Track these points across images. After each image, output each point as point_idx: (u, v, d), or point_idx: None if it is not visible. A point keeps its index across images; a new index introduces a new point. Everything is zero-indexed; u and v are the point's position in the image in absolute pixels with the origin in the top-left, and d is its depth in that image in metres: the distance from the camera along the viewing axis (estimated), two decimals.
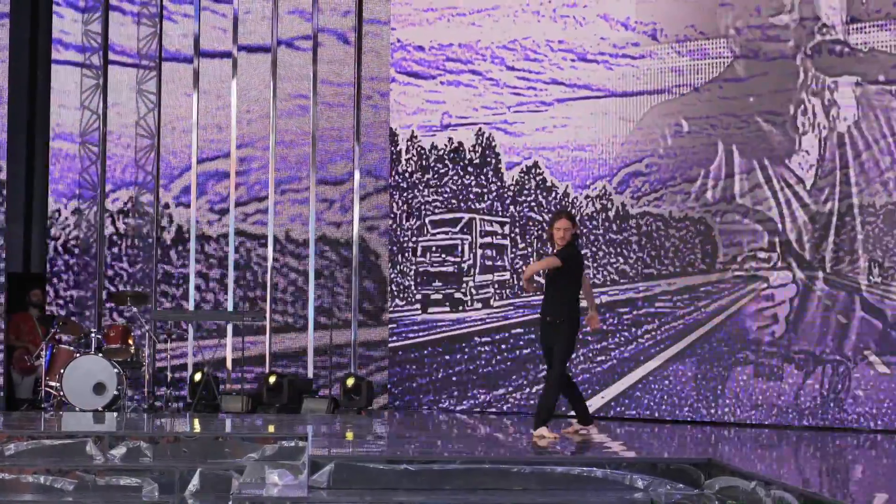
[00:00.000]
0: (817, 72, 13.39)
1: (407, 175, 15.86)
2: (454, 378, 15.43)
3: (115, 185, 16.78)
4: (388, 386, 15.87)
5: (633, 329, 14.44)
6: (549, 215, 14.16)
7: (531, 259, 15.03)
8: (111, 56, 16.95)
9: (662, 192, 14.32)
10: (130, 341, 14.75)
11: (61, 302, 16.66)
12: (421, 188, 15.78)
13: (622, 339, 14.49)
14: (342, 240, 16.44)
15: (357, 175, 16.40)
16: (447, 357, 15.53)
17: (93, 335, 14.67)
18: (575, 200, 14.84)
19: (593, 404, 14.18)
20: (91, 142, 16.83)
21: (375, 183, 16.39)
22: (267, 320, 16.40)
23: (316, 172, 16.53)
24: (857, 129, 13.08)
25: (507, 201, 15.29)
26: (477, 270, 15.48)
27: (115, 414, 13.81)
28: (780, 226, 13.54)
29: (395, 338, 15.84)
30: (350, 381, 15.27)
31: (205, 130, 16.84)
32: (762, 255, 13.64)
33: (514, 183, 15.27)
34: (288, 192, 16.68)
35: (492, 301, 15.42)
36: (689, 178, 14.16)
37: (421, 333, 15.75)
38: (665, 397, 14.03)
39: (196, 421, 13.05)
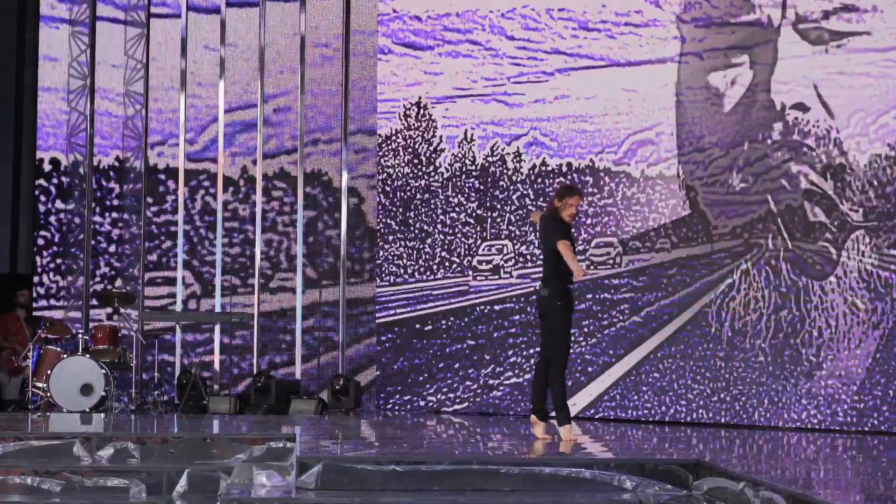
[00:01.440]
0: (825, 38, 13.17)
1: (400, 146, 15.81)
2: (443, 365, 15.39)
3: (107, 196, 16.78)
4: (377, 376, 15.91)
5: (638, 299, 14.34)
6: (558, 187, 13.71)
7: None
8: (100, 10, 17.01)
9: (671, 162, 14.09)
10: (118, 342, 14.74)
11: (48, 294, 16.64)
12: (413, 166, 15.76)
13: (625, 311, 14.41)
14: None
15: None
16: (436, 340, 15.43)
17: (80, 336, 14.66)
18: (575, 172, 14.68)
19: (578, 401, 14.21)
20: (79, 142, 16.79)
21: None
22: (255, 320, 16.38)
23: (305, 131, 16.61)
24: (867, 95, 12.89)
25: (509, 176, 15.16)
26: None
27: (102, 415, 13.78)
28: (787, 197, 13.34)
29: (383, 314, 15.80)
30: (338, 383, 15.27)
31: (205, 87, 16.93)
32: (760, 226, 13.48)
33: (516, 155, 15.12)
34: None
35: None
36: (699, 148, 13.92)
37: (410, 309, 15.68)
38: (652, 394, 14.02)
39: (184, 422, 13.02)
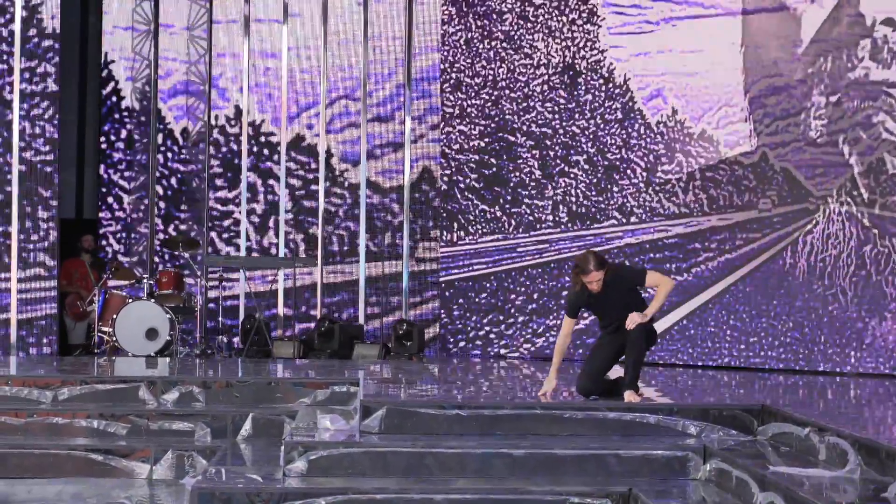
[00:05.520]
0: None
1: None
2: (506, 317, 15.35)
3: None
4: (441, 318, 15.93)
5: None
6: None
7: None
8: None
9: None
10: (182, 287, 14.82)
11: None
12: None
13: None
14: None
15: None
16: (501, 294, 15.39)
17: (145, 281, 14.75)
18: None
19: None
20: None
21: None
22: (319, 266, 16.41)
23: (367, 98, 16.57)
24: None
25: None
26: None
27: (167, 359, 13.88)
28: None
29: (445, 272, 15.77)
30: (401, 328, 15.30)
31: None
32: (843, 185, 13.12)
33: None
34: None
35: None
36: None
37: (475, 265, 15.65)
38: (718, 342, 13.93)
39: (248, 366, 13.09)
